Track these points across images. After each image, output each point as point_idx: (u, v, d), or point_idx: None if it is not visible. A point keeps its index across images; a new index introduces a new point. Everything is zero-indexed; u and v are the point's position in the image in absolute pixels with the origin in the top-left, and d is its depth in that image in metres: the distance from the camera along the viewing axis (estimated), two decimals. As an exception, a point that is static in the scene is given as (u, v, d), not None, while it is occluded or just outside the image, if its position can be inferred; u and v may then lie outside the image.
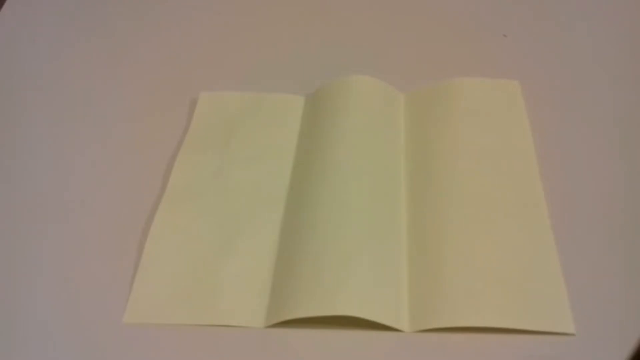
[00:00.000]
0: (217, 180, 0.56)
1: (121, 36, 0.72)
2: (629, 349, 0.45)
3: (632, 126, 0.60)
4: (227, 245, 0.52)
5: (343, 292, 0.47)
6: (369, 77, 0.62)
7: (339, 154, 0.56)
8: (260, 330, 0.47)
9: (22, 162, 0.59)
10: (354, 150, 0.56)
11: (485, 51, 0.69)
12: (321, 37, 0.71)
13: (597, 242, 0.51)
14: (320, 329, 0.47)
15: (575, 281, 0.49)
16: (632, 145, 0.59)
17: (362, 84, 0.61)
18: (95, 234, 0.53)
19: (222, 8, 0.75)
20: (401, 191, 0.55)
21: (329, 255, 0.49)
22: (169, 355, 0.46)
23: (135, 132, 0.61)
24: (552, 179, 0.55)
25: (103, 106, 0.64)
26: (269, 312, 0.48)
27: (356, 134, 0.57)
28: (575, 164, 0.57)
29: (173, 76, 0.67)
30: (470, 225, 0.51)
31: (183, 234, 0.53)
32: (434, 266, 0.49)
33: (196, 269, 0.50)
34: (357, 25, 0.72)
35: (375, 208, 0.53)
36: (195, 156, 0.58)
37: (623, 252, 0.51)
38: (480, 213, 0.52)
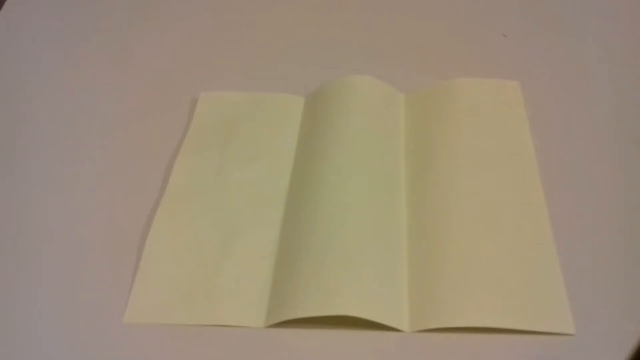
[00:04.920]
0: (217, 180, 0.56)
1: (121, 36, 0.72)
2: (629, 349, 0.45)
3: (632, 126, 0.60)
4: (227, 245, 0.52)
5: (343, 292, 0.47)
6: (369, 77, 0.62)
7: (338, 154, 0.56)
8: (260, 330, 0.47)
9: (22, 163, 0.59)
10: (354, 150, 0.56)
11: (485, 51, 0.69)
12: (321, 37, 0.71)
13: (596, 242, 0.51)
14: (320, 329, 0.47)
15: (575, 281, 0.49)
16: (632, 145, 0.59)
17: (362, 84, 0.61)
18: (95, 234, 0.53)
19: (222, 8, 0.75)
20: (401, 191, 0.55)
21: (329, 255, 0.49)
22: (169, 355, 0.46)
23: (135, 132, 0.61)
24: (552, 179, 0.55)
25: (103, 106, 0.64)
26: (269, 312, 0.48)
27: (356, 134, 0.57)
28: (575, 164, 0.57)
29: (173, 76, 0.67)
30: (470, 225, 0.51)
31: (183, 234, 0.53)
32: (434, 266, 0.49)
33: (196, 268, 0.50)
34: (357, 25, 0.73)
35: (375, 208, 0.53)
36: (195, 156, 0.58)
37: (623, 252, 0.51)
38: (479, 213, 0.52)
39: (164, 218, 0.54)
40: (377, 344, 0.46)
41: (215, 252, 0.51)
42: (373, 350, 0.46)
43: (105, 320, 0.48)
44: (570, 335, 0.46)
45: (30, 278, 0.51)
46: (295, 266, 0.49)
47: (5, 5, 0.76)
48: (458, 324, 0.46)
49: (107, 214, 0.55)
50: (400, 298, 0.48)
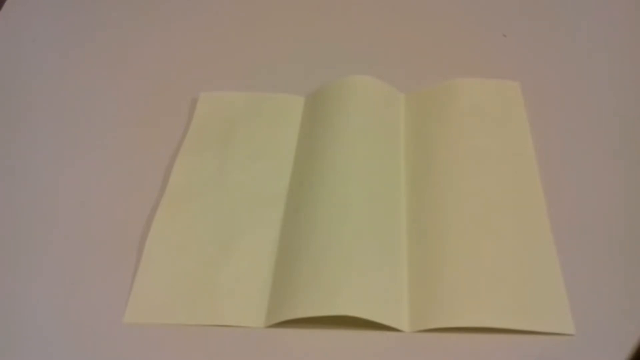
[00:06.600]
0: (217, 180, 0.56)
1: (121, 36, 0.72)
2: (629, 349, 0.45)
3: (632, 127, 0.60)
4: (227, 245, 0.52)
5: (343, 292, 0.47)
6: (369, 77, 0.62)
7: (338, 155, 0.56)
8: (260, 330, 0.47)
9: (22, 163, 0.59)
10: (354, 150, 0.56)
11: (485, 51, 0.69)
12: (321, 37, 0.71)
13: (596, 243, 0.51)
14: (320, 329, 0.47)
15: (575, 281, 0.49)
16: (632, 146, 0.59)
17: (362, 84, 0.61)
18: (95, 234, 0.53)
19: (222, 8, 0.75)
20: (401, 192, 0.55)
21: (328, 255, 0.49)
22: (169, 355, 0.46)
23: (135, 132, 0.61)
24: (552, 179, 0.55)
25: (103, 106, 0.64)
26: (269, 312, 0.48)
27: (356, 134, 0.57)
28: (575, 164, 0.57)
29: (173, 76, 0.67)
30: (470, 225, 0.51)
31: (183, 234, 0.53)
32: (434, 266, 0.49)
33: (196, 268, 0.50)
34: (358, 25, 0.73)
35: (375, 208, 0.53)
36: (195, 156, 0.58)
37: (623, 252, 0.51)
38: (479, 214, 0.52)
39: (164, 218, 0.54)
40: (377, 344, 0.46)
41: (215, 252, 0.51)
42: (373, 350, 0.46)
43: (105, 320, 0.48)
44: (570, 335, 0.46)
45: (30, 278, 0.51)
46: (295, 266, 0.49)
47: (5, 5, 0.76)
48: (458, 324, 0.46)
49: (107, 214, 0.55)
50: (400, 298, 0.48)
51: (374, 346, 0.46)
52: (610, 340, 0.46)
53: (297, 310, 0.47)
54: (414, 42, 0.70)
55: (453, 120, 0.59)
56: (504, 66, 0.66)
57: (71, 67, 0.68)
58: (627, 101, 0.63)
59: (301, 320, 0.46)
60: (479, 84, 0.62)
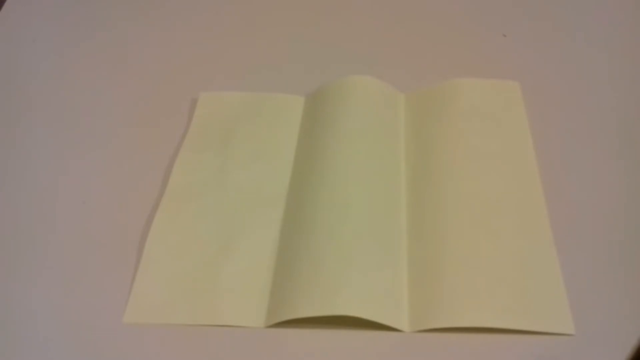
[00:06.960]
0: (217, 180, 0.56)
1: (121, 36, 0.72)
2: (629, 349, 0.45)
3: (632, 127, 0.60)
4: (227, 245, 0.52)
5: (343, 292, 0.47)
6: (369, 77, 0.62)
7: (338, 155, 0.56)
8: (260, 330, 0.47)
9: (22, 163, 0.59)
10: (354, 150, 0.56)
11: (485, 51, 0.69)
12: (321, 37, 0.71)
13: (596, 243, 0.51)
14: (320, 329, 0.47)
15: (575, 281, 0.49)
16: (632, 146, 0.59)
17: (362, 84, 0.61)
18: (95, 234, 0.53)
19: (222, 8, 0.75)
20: (401, 192, 0.55)
21: (329, 255, 0.49)
22: (169, 355, 0.46)
23: (135, 132, 0.61)
24: (552, 179, 0.55)
25: (103, 106, 0.64)
26: (269, 312, 0.48)
27: (356, 134, 0.57)
28: (575, 164, 0.57)
29: (173, 76, 0.67)
30: (470, 225, 0.51)
31: (183, 234, 0.53)
32: (434, 266, 0.49)
33: (196, 268, 0.50)
34: (358, 25, 0.73)
35: (375, 208, 0.53)
36: (195, 156, 0.58)
37: (623, 252, 0.51)
38: (479, 214, 0.52)
39: (164, 218, 0.54)
40: (377, 344, 0.46)
41: (215, 252, 0.51)
42: (373, 350, 0.46)
43: (105, 320, 0.48)
44: (570, 335, 0.46)
45: (30, 278, 0.51)
46: (295, 266, 0.49)
47: (5, 5, 0.76)
48: (458, 324, 0.46)
49: (107, 214, 0.55)
50: (400, 298, 0.48)
51: (374, 346, 0.46)
52: (610, 340, 0.46)
53: (297, 310, 0.47)
54: (414, 42, 0.70)
55: (453, 120, 0.59)
56: (504, 66, 0.66)
57: (71, 67, 0.68)
58: (627, 101, 0.63)
59: (301, 320, 0.46)
60: (479, 84, 0.62)
